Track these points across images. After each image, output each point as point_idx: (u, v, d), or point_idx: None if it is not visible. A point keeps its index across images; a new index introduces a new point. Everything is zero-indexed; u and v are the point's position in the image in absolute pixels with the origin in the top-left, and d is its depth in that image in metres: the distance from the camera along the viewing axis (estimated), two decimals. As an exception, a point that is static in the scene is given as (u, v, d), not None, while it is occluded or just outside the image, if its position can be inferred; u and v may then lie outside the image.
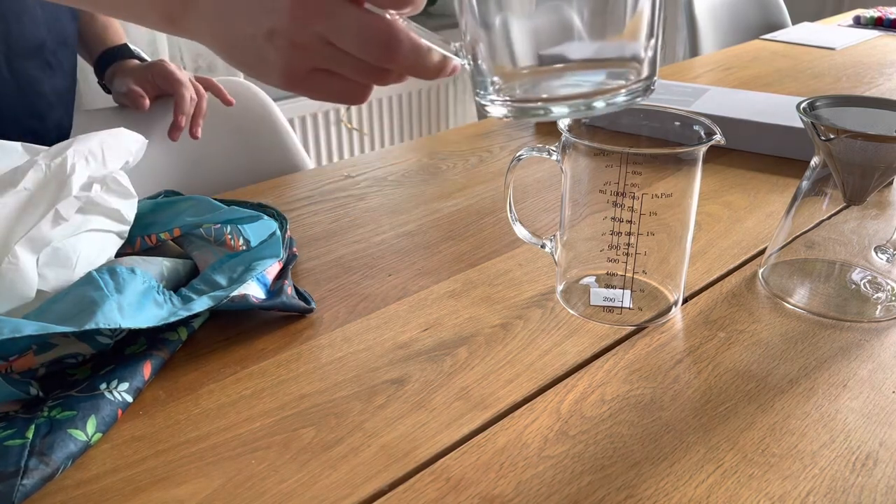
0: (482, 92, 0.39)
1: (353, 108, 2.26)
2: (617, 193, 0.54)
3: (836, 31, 1.69)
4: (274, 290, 0.59)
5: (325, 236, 0.73)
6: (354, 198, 0.83)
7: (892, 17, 1.72)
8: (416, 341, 0.56)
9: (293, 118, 2.11)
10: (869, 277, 0.61)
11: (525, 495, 0.42)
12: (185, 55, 1.82)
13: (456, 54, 0.39)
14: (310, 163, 1.13)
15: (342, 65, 0.38)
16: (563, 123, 0.55)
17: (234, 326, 0.58)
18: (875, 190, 0.58)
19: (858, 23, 1.76)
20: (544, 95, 0.38)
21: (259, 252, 0.61)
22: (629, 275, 0.57)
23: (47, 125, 0.91)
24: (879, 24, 1.73)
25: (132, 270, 0.55)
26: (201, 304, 0.54)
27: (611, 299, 0.58)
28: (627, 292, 0.58)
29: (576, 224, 0.58)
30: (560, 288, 0.61)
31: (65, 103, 0.93)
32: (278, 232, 0.63)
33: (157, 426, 0.47)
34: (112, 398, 0.47)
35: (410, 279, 0.65)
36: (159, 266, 0.58)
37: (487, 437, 0.47)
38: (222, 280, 0.57)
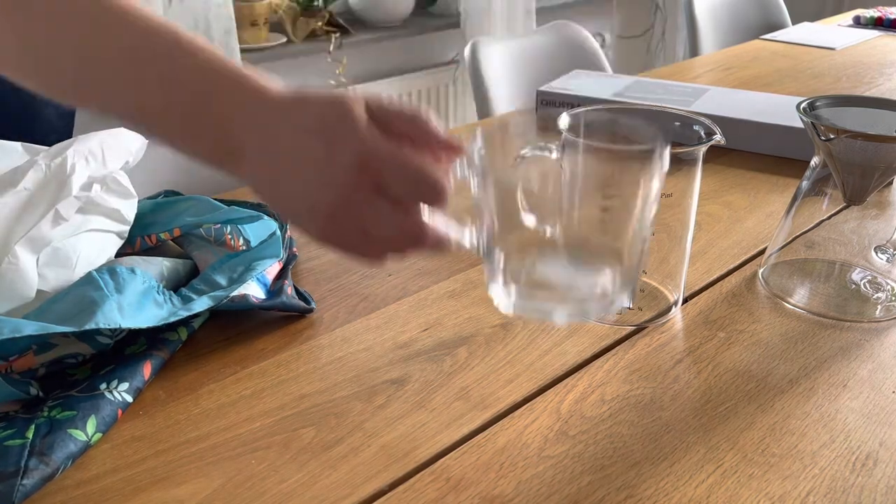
0: (492, 283, 0.44)
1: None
2: (617, 193, 0.54)
3: (836, 31, 1.69)
4: (274, 290, 0.59)
5: (325, 236, 0.73)
6: (354, 198, 0.83)
7: (892, 17, 1.72)
8: (416, 341, 0.56)
9: (293, 118, 2.10)
10: (869, 277, 0.61)
11: (525, 495, 0.42)
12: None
13: (470, 244, 0.44)
14: (310, 163, 1.13)
15: (373, 244, 0.42)
16: (564, 123, 0.55)
17: (234, 326, 0.58)
18: (875, 190, 0.58)
19: (858, 23, 1.76)
20: (546, 306, 0.44)
21: (259, 252, 0.61)
22: (629, 275, 0.57)
23: (49, 129, 0.90)
24: (879, 24, 1.73)
25: (132, 270, 0.55)
26: (201, 304, 0.54)
27: (611, 299, 0.58)
28: (627, 292, 0.58)
29: (576, 224, 0.58)
30: (560, 288, 0.61)
31: (67, 107, 0.93)
32: (278, 232, 0.63)
33: (157, 426, 0.47)
34: (112, 398, 0.47)
35: (410, 279, 0.65)
36: (159, 266, 0.58)
37: (487, 437, 0.47)
38: (222, 280, 0.57)
